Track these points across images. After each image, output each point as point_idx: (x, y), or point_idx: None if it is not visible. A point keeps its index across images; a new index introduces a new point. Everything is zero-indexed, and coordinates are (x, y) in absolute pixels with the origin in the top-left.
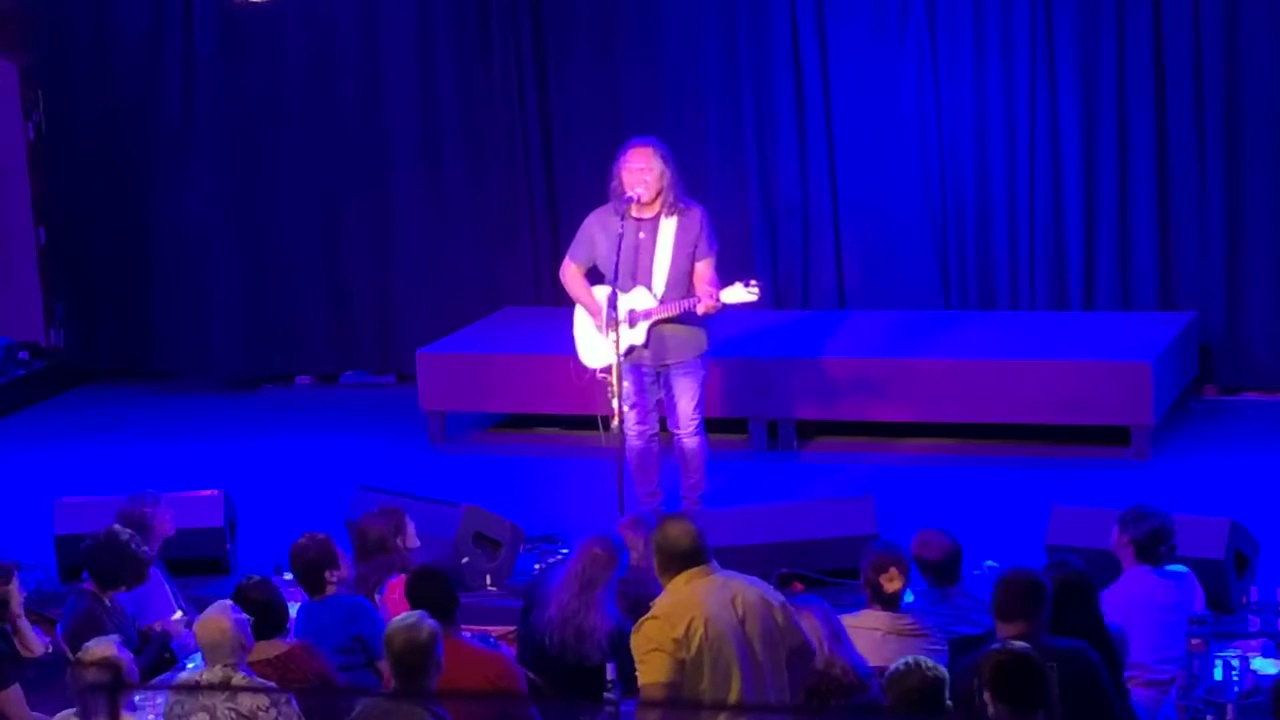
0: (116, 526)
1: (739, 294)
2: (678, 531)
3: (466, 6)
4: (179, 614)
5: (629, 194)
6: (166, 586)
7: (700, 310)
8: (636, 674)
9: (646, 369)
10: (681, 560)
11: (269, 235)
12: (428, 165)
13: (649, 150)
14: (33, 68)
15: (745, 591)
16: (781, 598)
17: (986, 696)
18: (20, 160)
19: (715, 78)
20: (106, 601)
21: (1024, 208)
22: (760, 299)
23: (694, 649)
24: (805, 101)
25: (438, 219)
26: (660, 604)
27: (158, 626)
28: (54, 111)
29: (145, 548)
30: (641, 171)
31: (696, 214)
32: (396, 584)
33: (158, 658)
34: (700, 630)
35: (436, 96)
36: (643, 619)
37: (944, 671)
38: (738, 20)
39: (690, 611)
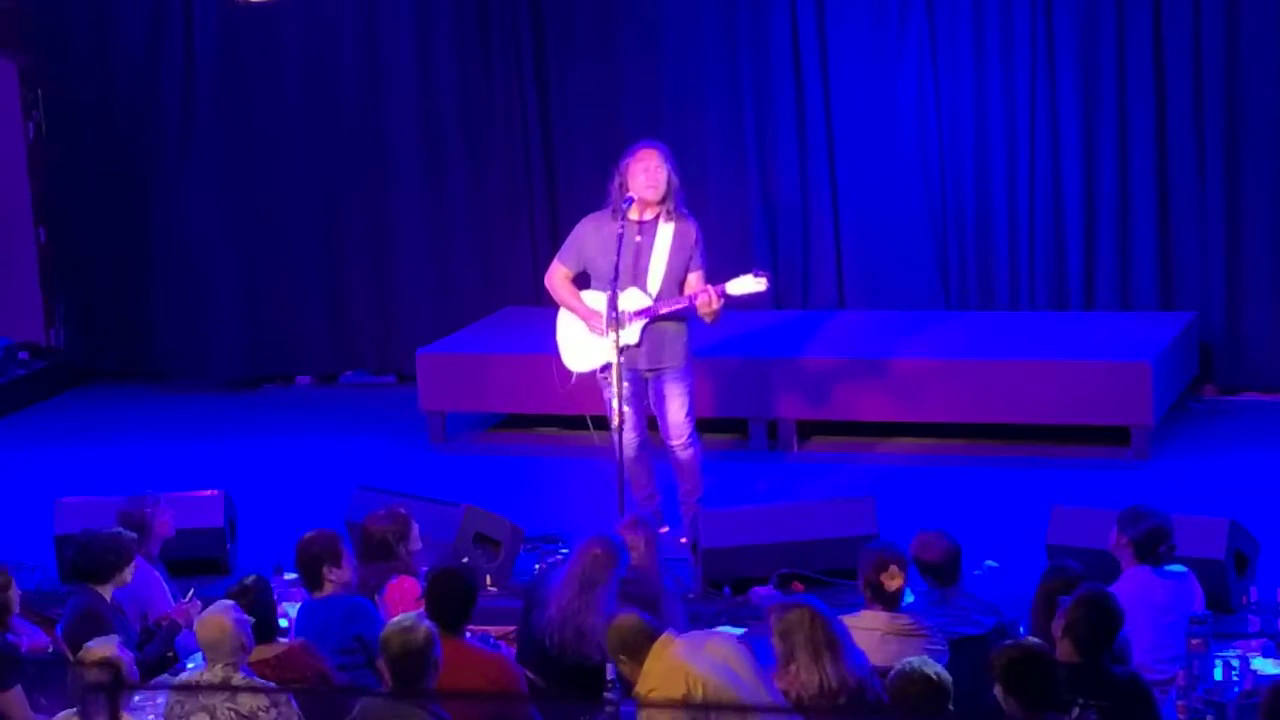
0: (93, 530)
1: (748, 284)
2: (629, 620)
3: (466, 6)
4: (189, 594)
5: (632, 194)
6: (165, 585)
7: (699, 306)
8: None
9: (636, 374)
10: (646, 637)
11: (269, 235)
12: (428, 165)
13: (658, 153)
14: (33, 68)
15: (714, 639)
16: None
17: (999, 692)
18: (20, 160)
19: (715, 78)
20: (108, 599)
21: (1024, 208)
22: (760, 299)
23: (700, 699)
24: (805, 101)
25: (438, 219)
26: (647, 679)
27: (164, 621)
28: (54, 111)
29: (127, 533)
30: (656, 171)
31: (693, 227)
32: (397, 584)
33: (166, 649)
34: (699, 682)
35: (436, 96)
36: (640, 698)
37: (948, 676)
38: (738, 20)
39: (680, 670)
